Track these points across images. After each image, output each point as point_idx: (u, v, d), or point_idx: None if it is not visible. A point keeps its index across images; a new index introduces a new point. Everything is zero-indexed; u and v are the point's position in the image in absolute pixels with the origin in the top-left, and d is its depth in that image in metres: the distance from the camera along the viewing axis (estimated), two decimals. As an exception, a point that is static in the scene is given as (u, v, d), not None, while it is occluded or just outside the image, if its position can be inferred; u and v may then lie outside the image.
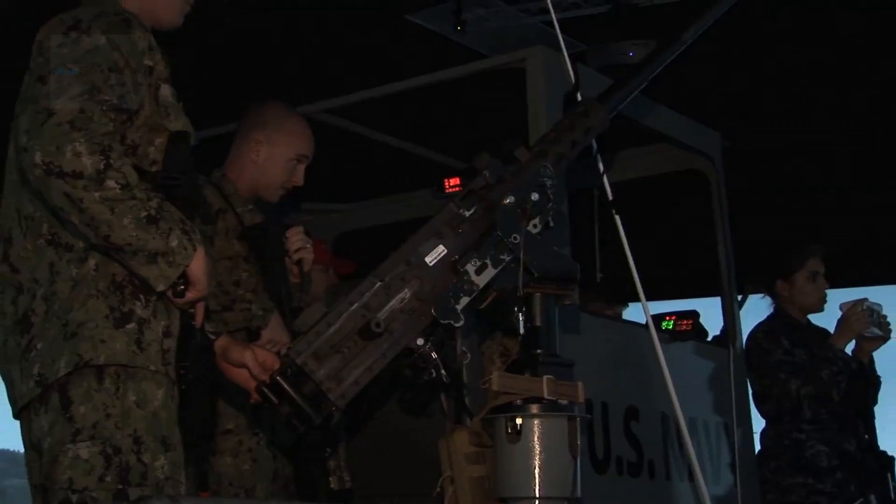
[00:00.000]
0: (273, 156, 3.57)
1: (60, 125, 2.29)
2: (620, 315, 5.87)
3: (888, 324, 4.71)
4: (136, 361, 2.43)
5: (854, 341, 4.75)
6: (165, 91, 2.56)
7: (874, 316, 4.64)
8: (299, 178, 3.62)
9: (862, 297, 4.69)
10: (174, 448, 2.47)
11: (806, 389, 4.59)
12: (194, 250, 2.40)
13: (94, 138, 2.29)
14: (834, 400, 4.59)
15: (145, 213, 2.32)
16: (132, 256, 2.36)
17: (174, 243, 2.36)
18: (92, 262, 2.45)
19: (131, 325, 2.44)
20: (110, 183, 2.29)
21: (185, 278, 2.42)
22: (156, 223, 2.33)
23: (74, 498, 2.38)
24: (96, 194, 2.28)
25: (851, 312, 4.63)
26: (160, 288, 2.40)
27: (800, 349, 4.69)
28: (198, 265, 2.41)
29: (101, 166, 2.28)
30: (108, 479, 2.38)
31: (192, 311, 2.55)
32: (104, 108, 2.35)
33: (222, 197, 3.51)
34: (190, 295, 2.45)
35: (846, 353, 4.69)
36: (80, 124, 2.30)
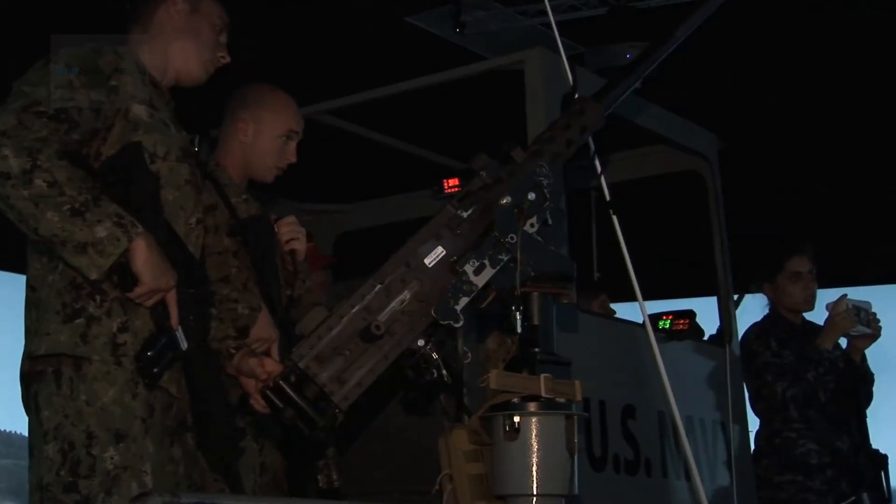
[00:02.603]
0: (261, 133, 3.50)
1: None
2: (608, 305, 5.81)
3: (878, 321, 4.69)
4: (77, 352, 2.57)
5: (846, 340, 4.75)
6: (138, 110, 2.70)
7: (861, 314, 4.61)
8: (292, 155, 3.55)
9: (846, 294, 4.67)
10: (131, 440, 2.58)
11: (791, 391, 4.58)
12: (129, 241, 2.49)
13: (22, 143, 2.45)
14: (821, 400, 4.58)
15: (69, 207, 2.46)
16: (62, 247, 2.49)
17: (102, 234, 2.47)
18: (60, 267, 2.62)
19: (79, 321, 2.59)
20: (37, 181, 2.44)
21: (128, 272, 2.52)
22: (81, 215, 2.46)
23: (47, 495, 2.54)
24: (24, 192, 2.44)
25: (836, 312, 4.62)
26: (93, 276, 2.51)
27: (788, 350, 4.68)
28: (138, 257, 2.51)
29: (28, 167, 2.44)
30: (62, 472, 2.54)
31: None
32: (43, 118, 2.51)
33: (216, 192, 3.43)
34: (138, 289, 2.54)
35: (835, 353, 4.67)
36: (11, 133, 2.46)
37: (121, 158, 2.65)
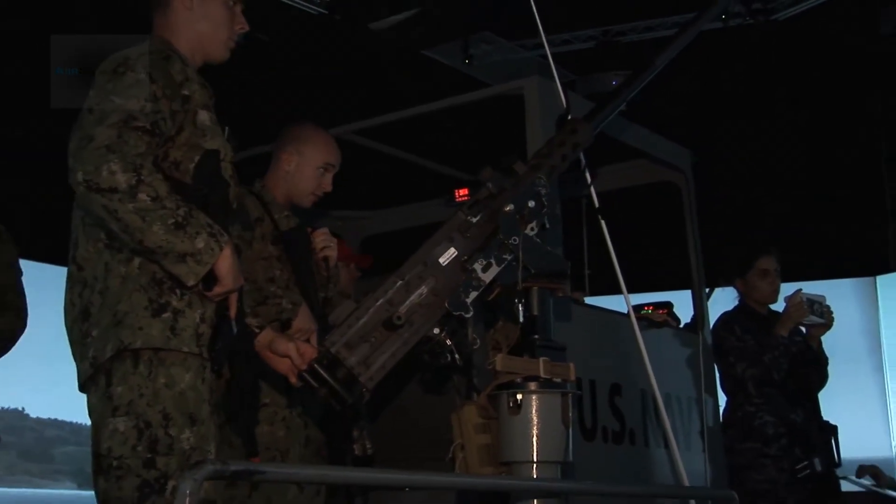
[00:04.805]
0: (302, 165, 3.57)
1: (98, 149, 2.34)
2: (582, 300, 5.78)
3: (830, 312, 4.71)
4: (170, 344, 2.46)
5: (805, 330, 4.77)
6: (203, 116, 2.57)
7: (815, 306, 4.64)
8: (328, 185, 3.61)
9: (810, 290, 4.69)
10: (201, 423, 2.49)
11: (750, 371, 4.61)
12: (220, 250, 2.42)
13: (127, 158, 2.33)
14: (775, 379, 4.59)
15: (173, 220, 2.36)
16: (164, 257, 2.39)
17: (201, 245, 2.39)
18: (136, 262, 2.48)
19: (167, 315, 2.47)
20: (142, 196, 2.33)
21: (211, 274, 2.44)
22: (183, 228, 2.37)
23: (114, 464, 2.42)
24: (130, 205, 2.32)
25: (790, 304, 4.65)
26: (190, 283, 2.42)
27: (749, 336, 4.70)
28: (223, 264, 2.43)
29: (134, 182, 2.32)
30: (140, 448, 2.42)
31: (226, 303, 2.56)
32: (139, 132, 2.38)
33: (261, 206, 3.52)
34: (217, 289, 2.47)
35: (795, 339, 4.68)
36: (116, 147, 2.33)
37: (204, 166, 2.53)
